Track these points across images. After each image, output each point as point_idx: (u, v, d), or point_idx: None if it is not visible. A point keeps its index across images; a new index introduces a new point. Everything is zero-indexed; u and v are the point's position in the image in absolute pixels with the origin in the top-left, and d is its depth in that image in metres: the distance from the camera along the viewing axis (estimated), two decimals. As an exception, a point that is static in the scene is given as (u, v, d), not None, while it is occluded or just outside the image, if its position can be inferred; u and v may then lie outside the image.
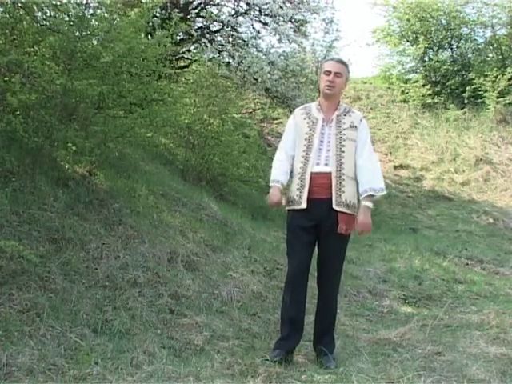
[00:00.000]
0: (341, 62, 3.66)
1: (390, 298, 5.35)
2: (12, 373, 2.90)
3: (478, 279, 6.24)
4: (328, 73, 3.56)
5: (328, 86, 3.55)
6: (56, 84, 4.24)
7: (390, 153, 14.32)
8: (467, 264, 7.15)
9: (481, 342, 3.82)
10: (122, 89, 5.09)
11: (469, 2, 16.18)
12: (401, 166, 13.71)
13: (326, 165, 3.48)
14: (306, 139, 3.55)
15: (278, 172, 3.62)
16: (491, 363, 3.37)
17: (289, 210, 3.58)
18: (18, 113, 4.18)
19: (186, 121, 7.86)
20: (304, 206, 3.46)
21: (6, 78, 4.21)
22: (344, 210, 3.44)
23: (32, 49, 4.70)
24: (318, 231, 3.50)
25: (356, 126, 3.55)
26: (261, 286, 4.92)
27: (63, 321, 3.48)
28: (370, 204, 3.50)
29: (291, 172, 3.62)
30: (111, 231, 4.73)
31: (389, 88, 17.29)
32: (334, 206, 3.42)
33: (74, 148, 4.76)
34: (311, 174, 3.48)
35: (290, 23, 10.51)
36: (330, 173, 3.46)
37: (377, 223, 10.07)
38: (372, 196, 3.50)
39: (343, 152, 3.49)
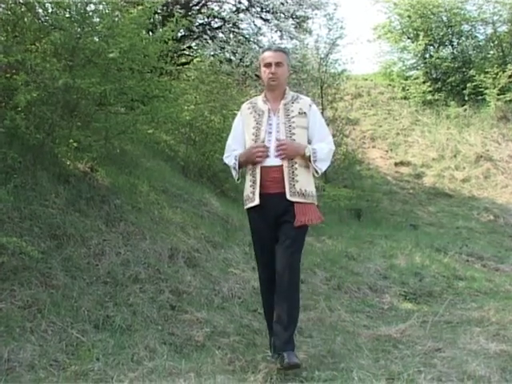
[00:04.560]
0: (279, 50, 3.54)
1: (390, 294, 5.35)
2: (13, 368, 2.92)
3: (479, 276, 6.25)
4: (269, 65, 3.42)
5: (271, 78, 3.42)
6: (58, 81, 4.23)
7: (391, 150, 14.34)
8: (467, 261, 7.17)
9: (481, 339, 3.83)
10: (123, 85, 5.08)
11: (470, -1, 16.20)
12: (401, 163, 13.73)
13: (277, 156, 3.32)
14: (253, 133, 3.40)
15: (232, 156, 3.49)
16: (491, 359, 3.38)
17: (247, 210, 3.47)
18: (20, 109, 4.18)
19: (188, 117, 7.86)
20: (257, 201, 3.33)
21: (8, 75, 4.20)
22: (299, 199, 3.30)
23: (34, 46, 4.70)
24: (277, 224, 3.35)
25: (305, 113, 3.42)
26: (261, 282, 4.92)
27: (64, 317, 3.49)
28: (307, 151, 3.32)
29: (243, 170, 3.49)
30: (112, 227, 4.74)
31: (389, 85, 17.32)
32: (289, 197, 3.28)
33: (75, 144, 4.77)
34: (261, 168, 3.34)
35: (291, 19, 10.52)
36: (281, 166, 3.32)
37: (377, 220, 10.13)
38: (311, 159, 3.33)
39: (294, 140, 3.34)
